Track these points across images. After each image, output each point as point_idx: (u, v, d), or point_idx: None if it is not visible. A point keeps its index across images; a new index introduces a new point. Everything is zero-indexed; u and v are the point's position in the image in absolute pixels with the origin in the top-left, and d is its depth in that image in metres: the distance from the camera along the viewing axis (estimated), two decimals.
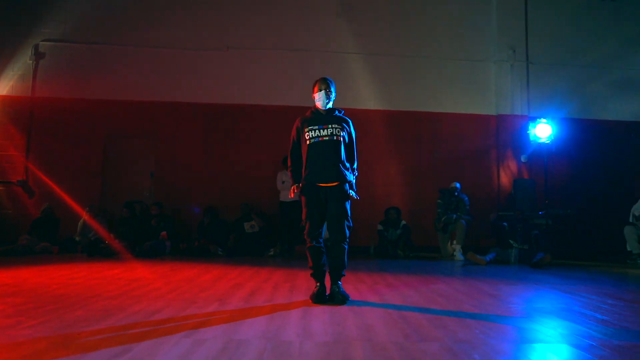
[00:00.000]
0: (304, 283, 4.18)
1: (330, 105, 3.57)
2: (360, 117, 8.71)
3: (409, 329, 2.46)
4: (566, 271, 5.61)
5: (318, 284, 3.43)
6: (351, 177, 3.53)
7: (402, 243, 7.47)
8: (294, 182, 3.60)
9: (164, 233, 7.30)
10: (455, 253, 7.10)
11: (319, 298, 3.31)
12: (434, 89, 8.82)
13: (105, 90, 8.30)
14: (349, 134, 3.60)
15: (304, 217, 3.46)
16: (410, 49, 8.85)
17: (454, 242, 7.47)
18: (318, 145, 3.44)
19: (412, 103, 8.78)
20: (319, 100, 3.54)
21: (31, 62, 8.23)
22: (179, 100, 8.41)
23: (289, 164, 3.67)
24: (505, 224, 6.79)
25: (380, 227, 7.67)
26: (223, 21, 8.63)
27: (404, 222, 7.65)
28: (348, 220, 3.44)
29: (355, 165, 3.62)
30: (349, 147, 3.59)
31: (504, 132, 8.77)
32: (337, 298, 3.28)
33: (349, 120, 3.68)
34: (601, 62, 8.98)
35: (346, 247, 3.42)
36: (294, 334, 2.32)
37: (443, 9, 8.99)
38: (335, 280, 3.43)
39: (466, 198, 7.38)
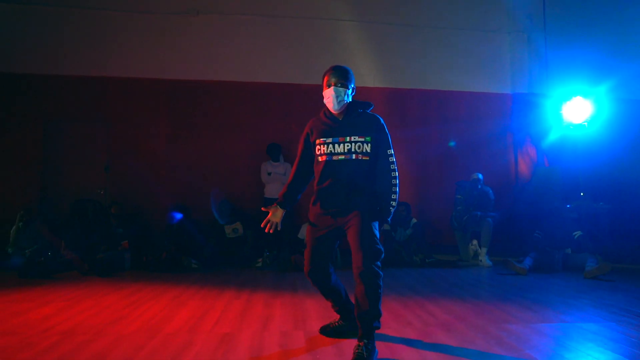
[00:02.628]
0: (320, 323, 2.87)
1: (344, 103, 2.48)
2: (360, 97, 7.38)
3: None
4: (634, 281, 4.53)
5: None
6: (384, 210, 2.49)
7: (415, 245, 6.25)
8: (279, 205, 2.63)
9: (125, 242, 5.81)
10: (481, 258, 5.93)
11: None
12: (442, 63, 7.55)
13: (44, 62, 6.62)
14: (382, 144, 2.48)
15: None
16: (414, 17, 7.52)
17: (473, 242, 6.32)
18: (330, 167, 2.46)
19: (417, 80, 7.50)
20: (329, 100, 2.46)
21: None
22: (138, 76, 6.83)
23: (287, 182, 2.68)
24: (537, 234, 5.64)
25: (386, 226, 6.41)
26: None
27: (414, 220, 6.41)
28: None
29: (393, 194, 2.47)
30: (381, 165, 2.49)
31: (521, 112, 7.62)
32: None
33: (380, 120, 2.51)
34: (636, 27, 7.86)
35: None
36: None
37: None
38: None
39: (491, 191, 6.21)
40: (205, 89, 6.97)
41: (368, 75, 7.35)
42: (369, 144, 2.45)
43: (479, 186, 6.14)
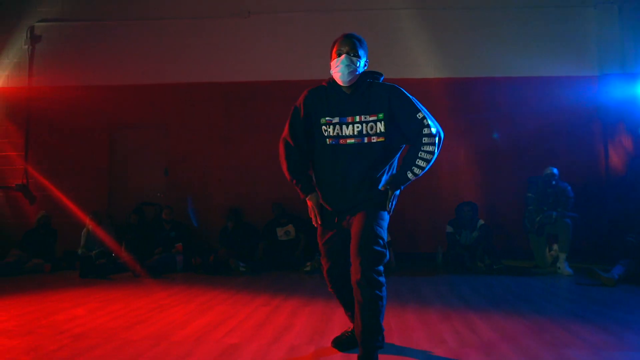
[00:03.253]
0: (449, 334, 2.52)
1: (355, 75, 2.10)
2: (417, 89, 6.85)
3: None
4: None
5: None
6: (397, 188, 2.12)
7: (481, 250, 5.59)
8: (304, 194, 2.20)
9: (179, 245, 5.90)
10: (559, 264, 5.13)
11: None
12: (514, 47, 6.74)
13: (108, 74, 6.99)
14: (404, 110, 2.05)
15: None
16: None
17: (554, 247, 5.50)
18: (337, 153, 2.10)
19: (484, 67, 6.77)
20: (337, 71, 2.06)
21: (27, 47, 7.08)
22: (192, 81, 6.96)
23: (284, 168, 2.22)
24: (631, 237, 4.71)
25: (449, 228, 5.82)
26: None
27: (481, 221, 5.74)
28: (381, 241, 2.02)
29: (421, 160, 2.03)
30: (412, 129, 2.06)
31: (611, 97, 6.56)
32: None
33: (398, 88, 2.09)
34: None
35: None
36: None
37: None
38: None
39: (569, 188, 5.36)
40: (258, 89, 6.90)
41: (426, 66, 6.80)
42: (382, 122, 2.07)
43: (553, 182, 5.32)
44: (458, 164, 6.68)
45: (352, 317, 2.41)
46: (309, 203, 2.22)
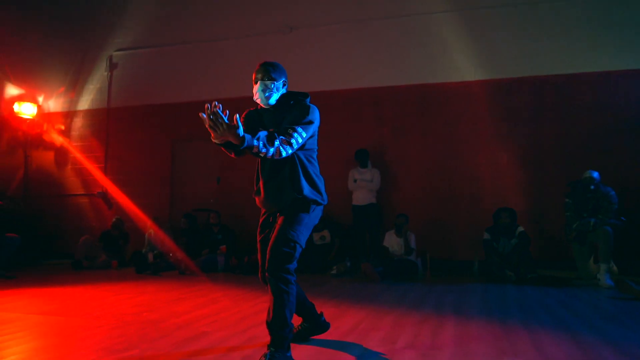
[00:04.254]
0: (409, 338, 2.73)
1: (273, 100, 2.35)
2: (458, 93, 6.75)
3: None
4: None
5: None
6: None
7: (517, 258, 5.34)
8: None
9: (223, 247, 6.45)
10: (599, 276, 4.75)
11: None
12: (561, 42, 6.35)
13: (171, 92, 7.85)
14: (292, 119, 2.33)
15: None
16: None
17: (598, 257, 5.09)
18: (260, 164, 2.45)
19: (530, 66, 6.44)
20: (257, 97, 2.37)
21: (106, 73, 8.22)
22: (241, 96, 7.51)
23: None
24: None
25: (487, 235, 5.64)
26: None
27: (521, 228, 5.49)
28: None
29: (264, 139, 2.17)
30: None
31: None
32: None
33: (307, 104, 2.38)
34: None
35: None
36: None
37: None
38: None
39: (612, 192, 4.92)
40: None
41: (468, 68, 6.65)
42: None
43: (592, 187, 4.92)
44: (499, 168, 6.43)
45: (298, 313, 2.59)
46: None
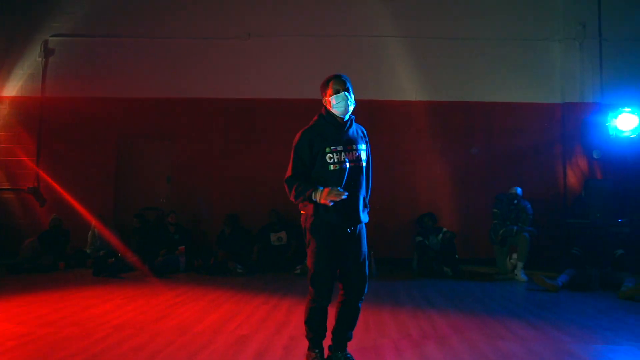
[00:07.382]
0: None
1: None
2: (401, 110, 7.60)
3: None
4: None
5: (317, 350, 2.65)
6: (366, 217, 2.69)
7: (447, 254, 6.35)
8: (312, 192, 2.42)
9: (182, 248, 6.51)
10: (516, 272, 5.91)
11: None
12: (487, 75, 7.54)
13: (117, 87, 7.56)
14: (370, 152, 2.75)
15: (311, 265, 2.57)
16: (459, 30, 7.53)
17: (513, 256, 6.29)
18: (341, 175, 2.49)
19: (461, 92, 7.53)
20: (339, 105, 2.53)
21: (40, 59, 7.61)
22: (196, 96, 7.58)
23: (292, 197, 2.52)
24: (575, 250, 5.57)
25: (419, 238, 6.62)
26: (243, 6, 7.67)
27: (444, 229, 6.61)
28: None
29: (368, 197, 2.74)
30: (370, 172, 2.79)
31: (571, 123, 7.39)
32: None
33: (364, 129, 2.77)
34: None
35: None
36: None
37: None
38: (343, 346, 2.68)
39: (529, 206, 6.14)
40: (256, 105, 7.55)
41: (410, 89, 7.54)
42: (365, 152, 2.63)
43: (515, 201, 6.11)
44: (434, 178, 7.43)
45: (316, 341, 2.67)
46: (324, 192, 2.34)
